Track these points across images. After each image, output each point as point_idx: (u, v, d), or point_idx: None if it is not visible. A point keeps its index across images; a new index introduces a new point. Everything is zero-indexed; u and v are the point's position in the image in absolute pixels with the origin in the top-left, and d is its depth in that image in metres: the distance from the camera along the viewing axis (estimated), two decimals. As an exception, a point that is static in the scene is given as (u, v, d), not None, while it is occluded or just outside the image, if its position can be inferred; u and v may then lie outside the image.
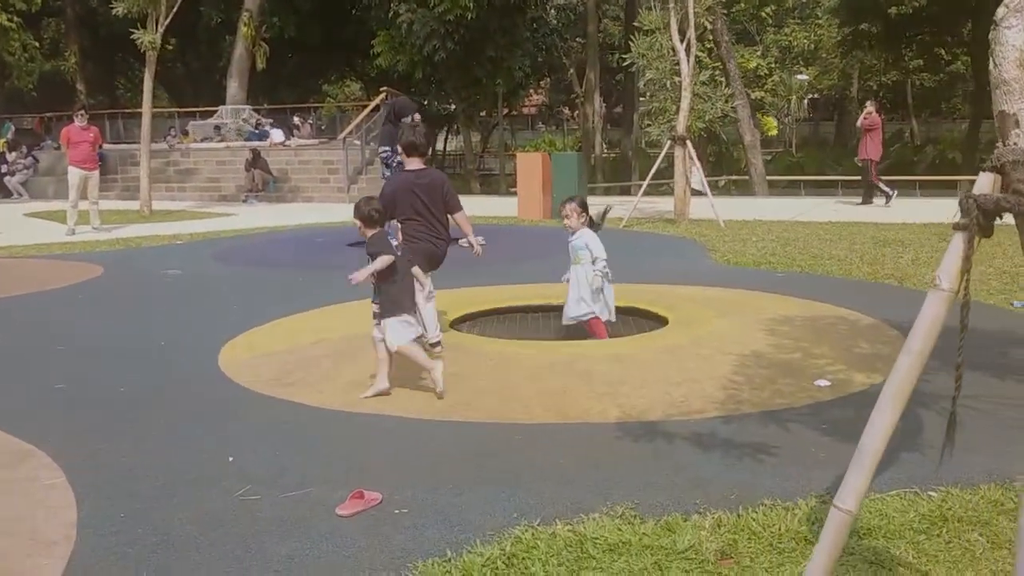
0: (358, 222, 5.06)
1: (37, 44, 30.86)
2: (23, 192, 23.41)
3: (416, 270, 5.45)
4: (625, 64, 14.73)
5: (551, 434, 4.28)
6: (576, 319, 6.13)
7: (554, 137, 55.09)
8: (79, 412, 4.82)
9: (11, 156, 24.39)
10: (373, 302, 5.13)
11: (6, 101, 39.71)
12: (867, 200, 16.33)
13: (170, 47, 42.87)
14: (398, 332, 4.91)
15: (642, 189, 14.51)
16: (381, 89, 23.06)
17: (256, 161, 21.46)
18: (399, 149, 5.98)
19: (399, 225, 5.80)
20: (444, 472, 3.84)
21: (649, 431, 4.26)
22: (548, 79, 47.61)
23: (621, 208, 16.07)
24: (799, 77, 48.10)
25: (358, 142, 21.73)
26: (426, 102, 39.61)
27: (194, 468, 3.95)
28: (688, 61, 13.54)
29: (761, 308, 6.73)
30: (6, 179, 23.49)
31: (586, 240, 6.13)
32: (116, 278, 9.54)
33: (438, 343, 5.62)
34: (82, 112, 14.83)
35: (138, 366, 5.79)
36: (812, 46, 46.22)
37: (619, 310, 6.85)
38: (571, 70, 43.65)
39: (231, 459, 4.04)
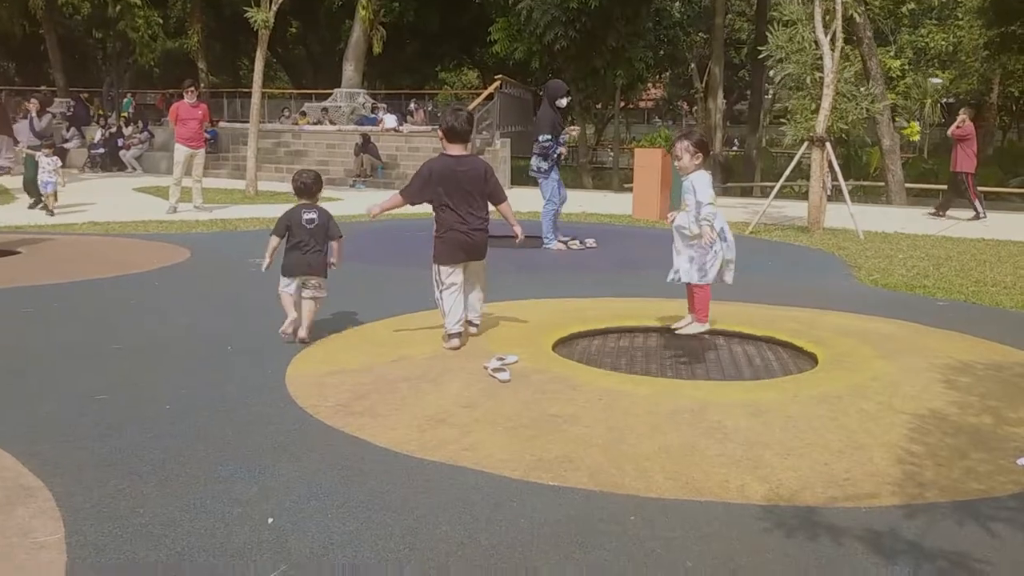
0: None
1: (160, 21, 31.14)
2: (137, 166, 23.55)
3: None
4: (761, 56, 13.50)
5: (676, 516, 3.31)
6: (676, 279, 5.64)
7: (671, 132, 53.55)
8: (110, 435, 4.08)
9: (128, 130, 24.59)
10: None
11: (135, 77, 40.63)
12: (943, 212, 15.10)
13: (292, 29, 43.35)
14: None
15: (773, 192, 13.28)
16: (496, 77, 22.31)
17: (366, 146, 20.97)
18: (440, 133, 5.70)
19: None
20: (533, 569, 2.92)
21: (806, 522, 3.24)
22: (667, 73, 46.13)
23: (744, 211, 14.87)
24: (934, 80, 45.32)
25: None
26: (541, 93, 38.83)
27: (223, 529, 3.14)
28: (832, 56, 12.27)
29: (929, 348, 5.58)
30: (121, 153, 23.66)
31: (692, 181, 5.33)
32: (201, 265, 8.94)
33: (454, 335, 5.53)
34: (192, 89, 14.43)
35: (195, 375, 5.06)
36: (951, 48, 43.41)
37: (754, 339, 5.84)
38: (692, 64, 42.10)
39: (271, 520, 3.22)
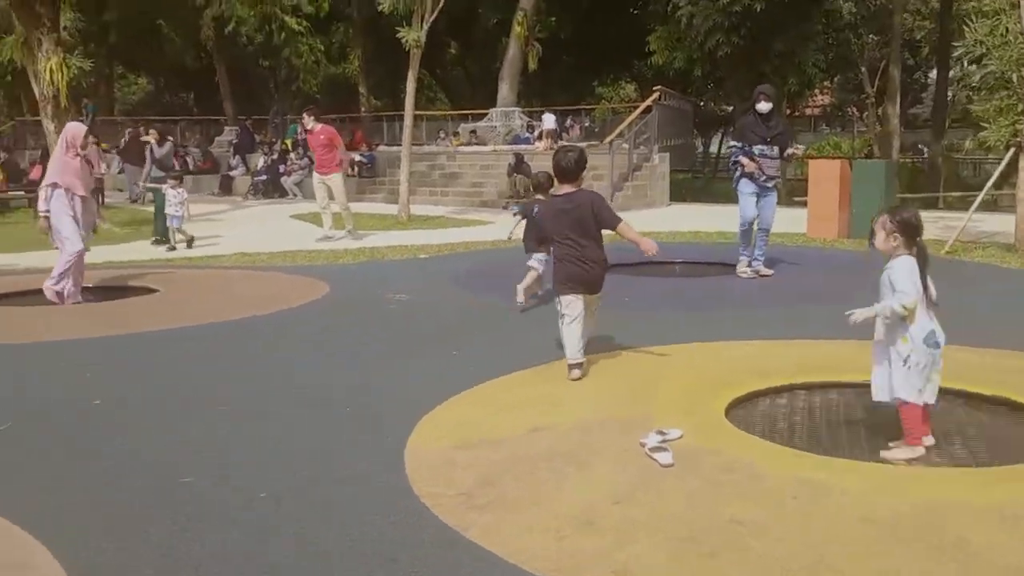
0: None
1: (322, 48, 31.73)
2: (298, 192, 23.74)
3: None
4: (956, 55, 11.96)
5: None
6: (879, 399, 4.23)
7: (840, 139, 50.92)
8: (183, 536, 3.39)
9: (290, 157, 24.91)
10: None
11: (302, 104, 41.84)
12: None
13: (451, 51, 43.70)
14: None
15: (975, 205, 11.68)
16: (654, 88, 21.28)
17: (519, 166, 20.31)
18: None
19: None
20: None
21: None
22: (835, 78, 43.74)
23: (935, 226, 13.30)
24: None
25: (626, 145, 20.02)
26: (702, 103, 37.37)
27: None
28: (1044, 48, 10.67)
29: None
30: (283, 179, 23.95)
31: (893, 272, 4.07)
32: (336, 302, 8.37)
33: (575, 365, 5.44)
34: (307, 114, 13.76)
35: (303, 446, 4.37)
36: None
37: (984, 401, 4.67)
38: (863, 67, 39.65)
39: None
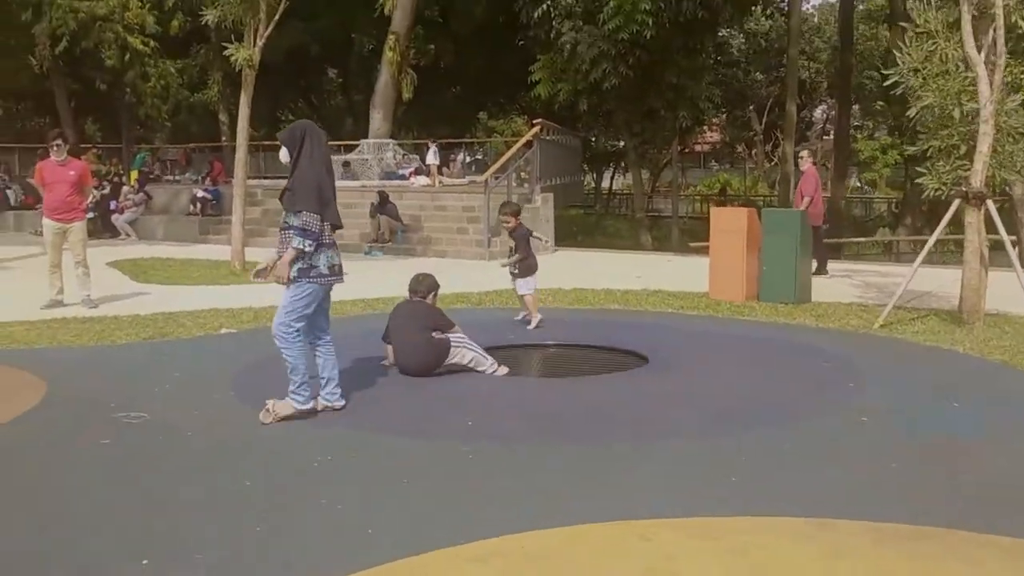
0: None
1: (174, 71, 28.64)
2: (131, 232, 20.70)
3: None
4: (887, 83, 9.94)
5: None
6: None
7: (730, 176, 50.42)
8: None
9: (124, 190, 21.81)
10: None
11: (173, 132, 38.28)
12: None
13: (333, 78, 41.04)
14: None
15: (917, 263, 9.64)
16: (534, 121, 19.12)
17: (383, 206, 17.85)
18: None
19: None
20: None
21: None
22: (724, 115, 43.04)
23: (851, 283, 11.30)
24: None
25: (507, 184, 17.77)
26: (593, 139, 35.62)
27: None
28: (991, 79, 8.80)
29: None
30: (114, 217, 20.81)
31: None
32: (40, 421, 5.62)
33: None
34: (58, 143, 10.58)
35: None
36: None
37: None
38: (751, 104, 38.86)
39: None
